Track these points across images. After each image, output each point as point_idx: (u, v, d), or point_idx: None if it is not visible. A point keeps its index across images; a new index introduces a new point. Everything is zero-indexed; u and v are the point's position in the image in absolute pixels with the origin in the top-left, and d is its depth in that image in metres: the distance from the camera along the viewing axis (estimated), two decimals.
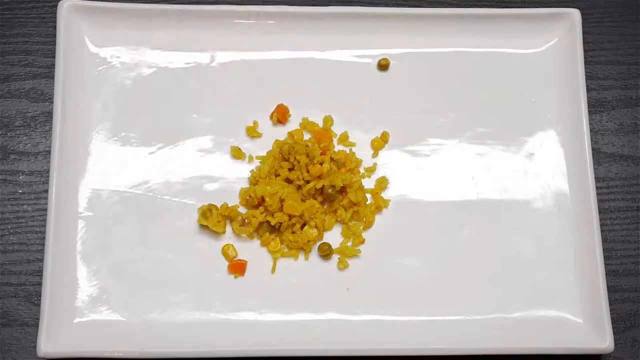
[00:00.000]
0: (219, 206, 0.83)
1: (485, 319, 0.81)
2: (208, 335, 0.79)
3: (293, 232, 0.82)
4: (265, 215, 0.82)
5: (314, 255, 0.83)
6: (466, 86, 0.88)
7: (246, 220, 0.82)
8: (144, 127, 0.85)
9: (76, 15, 0.85)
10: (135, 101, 0.86)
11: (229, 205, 0.83)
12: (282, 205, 0.82)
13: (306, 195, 0.83)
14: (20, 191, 0.85)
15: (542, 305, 0.82)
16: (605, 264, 0.82)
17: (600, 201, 0.85)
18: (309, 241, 0.82)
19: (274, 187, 0.82)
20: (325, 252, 0.82)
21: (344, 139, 0.86)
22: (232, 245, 0.82)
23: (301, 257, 0.82)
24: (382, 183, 0.85)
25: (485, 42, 0.89)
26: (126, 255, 0.81)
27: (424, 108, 0.88)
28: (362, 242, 0.83)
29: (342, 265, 0.82)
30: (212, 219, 0.82)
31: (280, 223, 0.82)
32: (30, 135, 0.86)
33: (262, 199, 0.82)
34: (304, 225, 0.83)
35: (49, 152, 0.85)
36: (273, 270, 0.82)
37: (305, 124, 0.86)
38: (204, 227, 0.82)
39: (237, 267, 0.82)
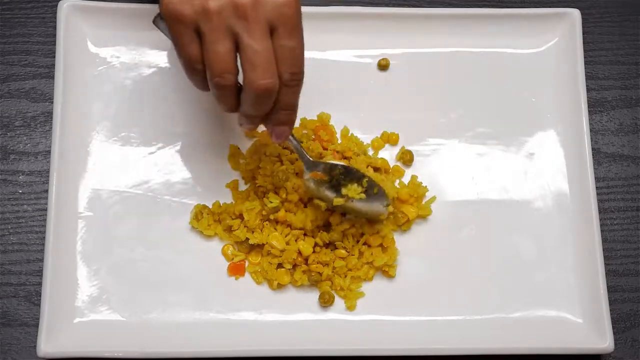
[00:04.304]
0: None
1: (485, 319, 0.81)
2: (208, 335, 0.79)
3: (270, 263, 0.81)
4: (246, 231, 0.81)
5: None
6: (466, 86, 0.88)
7: (232, 227, 0.82)
8: (144, 127, 0.85)
9: (76, 15, 0.85)
10: (135, 101, 0.86)
11: (222, 204, 0.83)
12: (264, 224, 0.81)
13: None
14: (20, 191, 0.85)
15: (542, 305, 0.82)
16: (605, 264, 0.82)
17: (600, 201, 0.85)
18: (277, 282, 0.81)
19: (252, 203, 0.81)
20: (327, 303, 0.81)
21: (344, 134, 0.86)
22: (232, 246, 0.82)
23: None
24: (419, 189, 0.84)
25: (485, 42, 0.89)
26: (126, 255, 0.81)
27: (424, 108, 0.88)
28: (371, 278, 0.82)
29: (352, 308, 0.81)
30: (203, 222, 0.82)
31: (262, 244, 0.81)
32: (30, 135, 0.86)
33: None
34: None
35: (49, 152, 0.85)
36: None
37: (305, 123, 0.86)
38: None
39: (237, 269, 0.82)
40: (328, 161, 0.79)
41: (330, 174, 0.78)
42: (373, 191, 0.79)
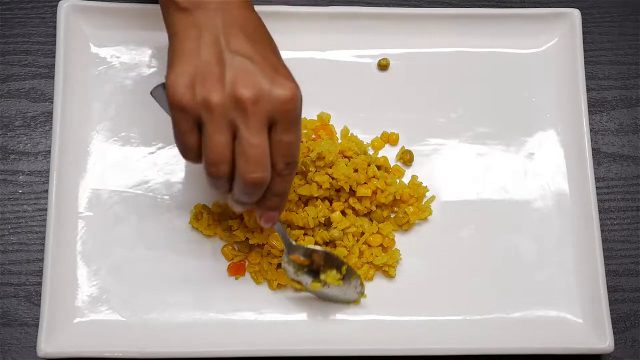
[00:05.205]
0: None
1: (485, 319, 0.81)
2: (208, 335, 0.79)
3: (270, 263, 0.81)
4: (246, 232, 0.81)
5: None
6: (466, 86, 0.88)
7: (232, 227, 0.82)
8: (144, 127, 0.85)
9: (76, 15, 0.85)
10: (135, 101, 0.86)
11: (221, 204, 0.83)
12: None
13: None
14: (20, 191, 0.85)
15: (542, 305, 0.82)
16: (605, 264, 0.81)
17: (600, 201, 0.85)
18: (277, 282, 0.81)
19: None
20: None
21: (344, 134, 0.86)
22: (232, 246, 0.82)
23: None
24: (419, 189, 0.84)
25: (485, 42, 0.89)
26: (126, 255, 0.81)
27: (424, 108, 0.88)
28: (371, 278, 0.82)
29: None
30: (203, 222, 0.82)
31: (262, 244, 0.81)
32: (30, 135, 0.86)
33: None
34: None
35: (49, 152, 0.85)
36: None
37: (305, 123, 0.86)
38: None
39: (237, 269, 0.82)
40: (310, 246, 0.78)
41: (310, 259, 0.78)
42: (350, 278, 0.79)
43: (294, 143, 0.69)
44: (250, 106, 0.66)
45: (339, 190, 0.82)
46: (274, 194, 0.71)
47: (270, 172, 0.69)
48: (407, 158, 0.86)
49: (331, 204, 0.82)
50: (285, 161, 0.69)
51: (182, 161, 0.84)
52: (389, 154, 0.86)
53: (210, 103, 0.66)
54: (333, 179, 0.81)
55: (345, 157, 0.83)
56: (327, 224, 0.81)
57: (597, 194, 0.84)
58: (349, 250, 0.81)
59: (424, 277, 0.82)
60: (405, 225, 0.83)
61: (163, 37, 0.84)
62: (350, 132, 0.86)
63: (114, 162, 0.84)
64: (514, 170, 0.86)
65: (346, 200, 0.82)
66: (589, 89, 0.89)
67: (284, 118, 0.67)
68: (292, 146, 0.69)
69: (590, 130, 0.87)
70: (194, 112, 0.67)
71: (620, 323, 0.84)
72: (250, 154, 0.67)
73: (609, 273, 0.83)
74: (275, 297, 0.81)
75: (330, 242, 0.81)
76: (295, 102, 0.68)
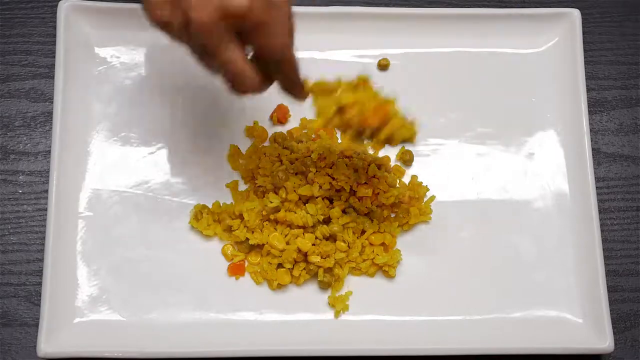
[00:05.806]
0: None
1: (485, 319, 0.81)
2: (208, 335, 0.79)
3: (270, 263, 0.81)
4: (246, 231, 0.81)
5: None
6: (466, 86, 0.88)
7: (232, 227, 0.82)
8: (144, 127, 0.85)
9: (76, 15, 0.85)
10: (135, 101, 0.86)
11: (222, 204, 0.83)
12: (264, 224, 0.81)
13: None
14: (20, 191, 0.85)
15: (542, 305, 0.82)
16: (605, 264, 0.81)
17: (600, 201, 0.85)
18: (277, 282, 0.81)
19: (252, 203, 0.81)
20: (326, 286, 0.81)
21: None
22: (232, 246, 0.82)
23: None
24: (419, 189, 0.84)
25: (485, 42, 0.89)
26: (126, 255, 0.81)
27: (424, 108, 0.87)
28: (372, 274, 0.83)
29: (337, 315, 0.81)
30: (202, 222, 0.82)
31: (262, 244, 0.81)
32: (30, 135, 0.86)
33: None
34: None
35: (49, 152, 0.85)
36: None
37: (305, 123, 0.86)
38: None
39: (237, 269, 0.82)
40: None
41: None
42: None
43: None
44: None
45: (339, 190, 0.82)
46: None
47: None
48: (407, 158, 0.86)
49: (331, 203, 0.82)
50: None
51: (182, 161, 0.84)
52: (389, 154, 0.86)
53: None
54: (333, 179, 0.81)
55: (346, 157, 0.83)
56: (327, 222, 0.81)
57: (597, 194, 0.84)
58: (350, 247, 0.81)
59: (424, 277, 0.82)
60: (405, 226, 0.83)
61: (163, 37, 0.85)
62: None
63: (114, 162, 0.84)
64: (514, 170, 0.86)
65: (347, 200, 0.82)
66: (589, 89, 0.89)
67: None
68: None
69: (590, 130, 0.87)
70: None
71: (620, 323, 0.84)
72: None
73: (609, 273, 0.83)
74: (275, 297, 0.81)
75: (331, 237, 0.81)
76: None
